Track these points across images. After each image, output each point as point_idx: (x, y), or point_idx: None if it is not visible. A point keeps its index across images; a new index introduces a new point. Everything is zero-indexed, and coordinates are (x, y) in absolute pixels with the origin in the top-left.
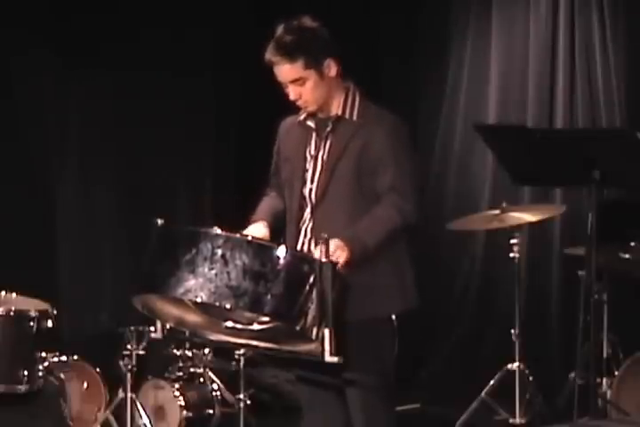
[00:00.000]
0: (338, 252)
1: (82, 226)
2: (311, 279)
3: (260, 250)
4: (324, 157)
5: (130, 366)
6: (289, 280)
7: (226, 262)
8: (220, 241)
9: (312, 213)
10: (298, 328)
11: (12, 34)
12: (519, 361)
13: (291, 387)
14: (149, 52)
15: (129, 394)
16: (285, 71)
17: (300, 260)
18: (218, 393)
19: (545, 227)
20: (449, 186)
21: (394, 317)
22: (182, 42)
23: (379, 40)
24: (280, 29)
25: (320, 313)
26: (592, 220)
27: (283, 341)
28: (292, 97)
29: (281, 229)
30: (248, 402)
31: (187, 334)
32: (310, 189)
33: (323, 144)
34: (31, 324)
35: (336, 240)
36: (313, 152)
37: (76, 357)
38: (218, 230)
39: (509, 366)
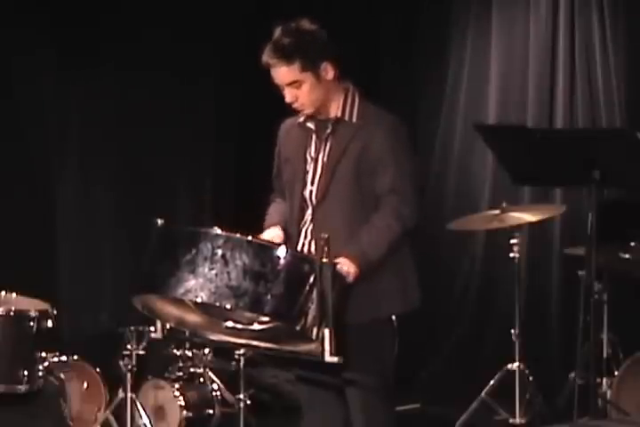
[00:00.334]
0: (345, 268)
1: (82, 226)
2: (311, 279)
3: (261, 250)
4: (325, 158)
5: (130, 366)
6: (289, 280)
7: (226, 262)
8: (221, 241)
9: (312, 214)
10: (298, 328)
11: (12, 34)
12: (519, 361)
13: (291, 387)
14: (150, 53)
15: (129, 394)
16: (282, 74)
17: (300, 260)
18: (218, 393)
19: (545, 227)
20: (449, 186)
21: (394, 317)
22: (183, 42)
23: (378, 40)
24: (278, 31)
25: (320, 313)
26: (592, 220)
27: (283, 341)
28: (287, 99)
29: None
30: (248, 402)
31: (187, 334)
32: (311, 191)
33: (323, 146)
34: (31, 324)
35: (343, 259)
36: (313, 154)
37: (75, 357)
38: (218, 230)
39: (509, 366)
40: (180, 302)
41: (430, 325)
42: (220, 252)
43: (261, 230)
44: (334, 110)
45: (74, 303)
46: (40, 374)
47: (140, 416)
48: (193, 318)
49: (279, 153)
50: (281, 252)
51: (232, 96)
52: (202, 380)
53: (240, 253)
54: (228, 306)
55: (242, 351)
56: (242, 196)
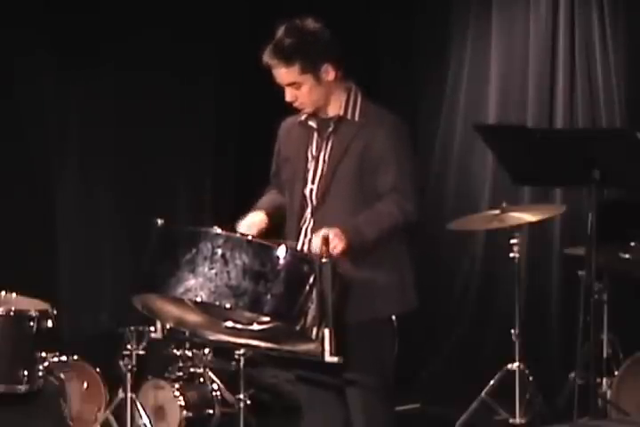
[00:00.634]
0: (335, 240)
1: (82, 226)
2: (311, 279)
3: (260, 250)
4: (326, 157)
5: (130, 366)
6: (289, 280)
7: (226, 262)
8: (220, 241)
9: (313, 213)
10: (298, 328)
11: (12, 34)
12: (519, 361)
13: (291, 387)
14: (150, 53)
15: (129, 394)
16: (282, 75)
17: (300, 260)
18: (218, 393)
19: (545, 227)
20: (449, 186)
21: (394, 317)
22: (182, 42)
23: (378, 40)
24: (280, 31)
25: (320, 313)
26: (592, 220)
27: (283, 341)
28: (287, 99)
29: (281, 223)
30: (248, 402)
31: (187, 334)
32: (311, 190)
33: (324, 144)
34: (31, 324)
35: (334, 229)
36: (314, 152)
37: (75, 357)
38: (218, 230)
39: (509, 366)
40: (179, 302)
41: (430, 325)
42: (219, 251)
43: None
44: (336, 109)
45: (74, 303)
46: (40, 374)
47: (140, 416)
48: (193, 317)
49: (279, 151)
50: (281, 252)
51: (232, 96)
52: (202, 380)
53: (240, 253)
54: (228, 305)
55: (242, 351)
56: (242, 196)
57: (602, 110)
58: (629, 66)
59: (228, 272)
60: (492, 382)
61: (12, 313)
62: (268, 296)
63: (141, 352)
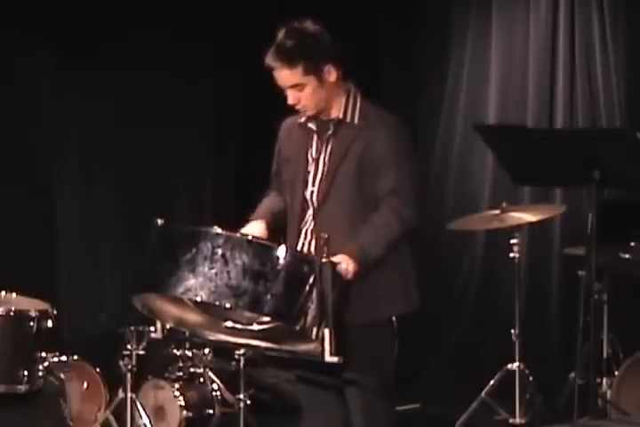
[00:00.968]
0: (344, 266)
1: (82, 226)
2: (311, 279)
3: (261, 250)
4: (326, 159)
5: (130, 366)
6: (289, 280)
7: (226, 262)
8: (220, 240)
9: (313, 215)
10: (298, 328)
11: (11, 34)
12: (519, 361)
13: (291, 387)
14: (149, 53)
15: (129, 394)
16: (284, 76)
17: (300, 260)
18: (218, 393)
19: (545, 227)
20: (449, 186)
21: (394, 318)
22: (182, 42)
23: (378, 40)
24: (281, 34)
25: (320, 313)
26: (592, 220)
27: (283, 341)
28: (290, 101)
29: (280, 228)
30: (248, 402)
31: (187, 334)
32: (312, 192)
33: (324, 147)
34: (31, 324)
35: (342, 256)
36: (314, 155)
37: (76, 357)
38: (218, 230)
39: (509, 366)
40: (179, 302)
41: (430, 325)
42: (219, 251)
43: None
44: (336, 111)
45: (74, 303)
46: (40, 374)
47: (140, 416)
48: (193, 317)
49: (279, 151)
50: (281, 252)
51: (232, 96)
52: (202, 380)
53: (240, 253)
54: (228, 305)
55: (242, 351)
56: (242, 196)
57: (602, 110)
58: (629, 66)
59: (228, 272)
60: (492, 382)
61: (12, 313)
62: (268, 296)
63: (141, 352)
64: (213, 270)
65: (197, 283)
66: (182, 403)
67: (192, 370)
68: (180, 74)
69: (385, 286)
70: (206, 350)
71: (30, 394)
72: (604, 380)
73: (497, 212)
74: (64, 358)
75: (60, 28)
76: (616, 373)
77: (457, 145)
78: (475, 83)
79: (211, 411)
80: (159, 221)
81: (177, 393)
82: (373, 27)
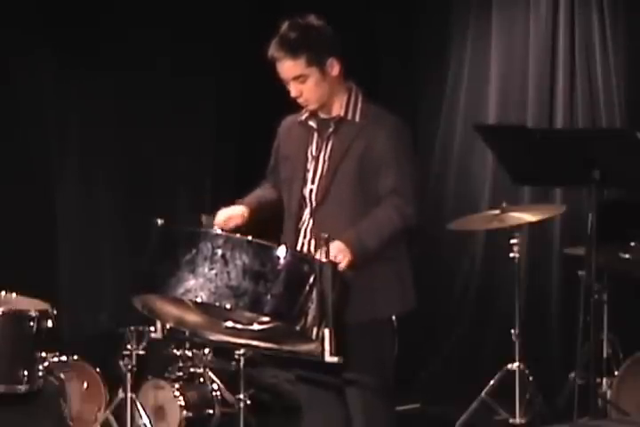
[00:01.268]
0: (340, 254)
1: (82, 226)
2: (311, 279)
3: (260, 250)
4: (326, 157)
5: (130, 366)
6: (289, 280)
7: (226, 262)
8: (220, 241)
9: (312, 213)
10: (298, 328)
11: (11, 34)
12: (519, 361)
13: (291, 387)
14: (150, 52)
15: (129, 394)
16: (287, 68)
17: (300, 260)
18: (218, 393)
19: (545, 227)
20: (449, 186)
21: (394, 317)
22: (183, 42)
23: (379, 40)
24: (285, 26)
25: (320, 313)
26: (592, 220)
27: (283, 341)
28: (293, 94)
29: (267, 218)
30: (248, 402)
31: (187, 334)
32: (311, 190)
33: (324, 145)
34: (31, 324)
35: (338, 243)
36: (314, 152)
37: (76, 357)
38: (218, 230)
39: (509, 366)
40: (179, 302)
41: (430, 325)
42: (219, 252)
43: (261, 230)
44: (337, 109)
45: (74, 303)
46: (40, 374)
47: (140, 416)
48: (193, 317)
49: (277, 149)
50: (281, 252)
51: (232, 96)
52: (202, 380)
53: (240, 253)
54: (228, 306)
55: (242, 351)
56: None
57: (602, 111)
58: (629, 66)
59: (228, 272)
60: (492, 382)
61: (11, 313)
62: (268, 296)
63: (141, 352)
64: (213, 271)
65: (197, 284)
66: (182, 403)
67: (192, 370)
68: (180, 74)
69: (382, 285)
70: (206, 350)
71: (30, 394)
72: (604, 380)
73: (497, 212)
74: (64, 358)
75: (60, 28)
76: (616, 373)
77: (457, 145)
78: (475, 83)
79: (211, 411)
80: (159, 222)
81: (177, 393)
82: (374, 26)
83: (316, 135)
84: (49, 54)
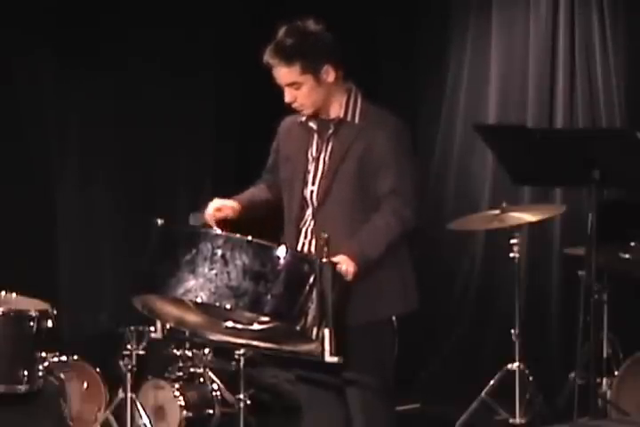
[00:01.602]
0: (344, 266)
1: (82, 226)
2: (311, 279)
3: (260, 250)
4: (326, 158)
5: (130, 366)
6: (289, 280)
7: (226, 262)
8: (220, 241)
9: (313, 214)
10: (298, 328)
11: (11, 34)
12: (519, 361)
13: (291, 387)
14: (149, 53)
15: (129, 394)
16: (282, 74)
17: (300, 260)
18: (218, 393)
19: (545, 227)
20: (449, 186)
21: (394, 318)
22: (182, 42)
23: (379, 42)
24: (281, 31)
25: (320, 313)
26: (592, 220)
27: (283, 341)
28: (287, 99)
29: (265, 218)
30: (248, 402)
31: (187, 334)
32: (312, 191)
33: (324, 146)
34: (31, 324)
35: (342, 256)
36: (314, 154)
37: (75, 357)
38: (218, 230)
39: (509, 366)
40: (179, 302)
41: (430, 325)
42: (219, 252)
43: (260, 230)
44: (336, 111)
45: (74, 303)
46: (40, 374)
47: (140, 416)
48: (193, 318)
49: (277, 149)
50: (281, 252)
51: (232, 96)
52: (202, 380)
53: (240, 253)
54: (228, 306)
55: (242, 351)
56: None
57: (602, 111)
58: (629, 66)
59: (228, 273)
60: (492, 382)
61: (11, 313)
62: (269, 296)
63: (141, 352)
64: (213, 271)
65: (197, 284)
66: (182, 403)
67: (192, 370)
68: (180, 74)
69: (384, 286)
70: (206, 350)
71: (30, 394)
72: (604, 380)
73: (497, 212)
74: (64, 358)
75: (60, 28)
76: (616, 373)
77: (457, 145)
78: (475, 83)
79: (211, 411)
80: (159, 221)
81: (177, 393)
82: (374, 29)
83: (316, 136)
84: (49, 54)
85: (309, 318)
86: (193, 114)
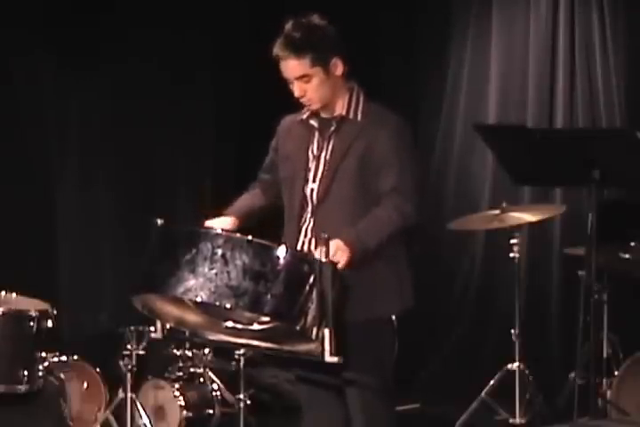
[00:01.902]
0: (339, 253)
1: (82, 226)
2: (311, 279)
3: (261, 250)
4: (327, 156)
5: (130, 366)
6: (289, 280)
7: (226, 262)
8: (220, 241)
9: (313, 212)
10: (298, 328)
11: (11, 34)
12: (519, 361)
13: (291, 387)
14: (149, 53)
15: (129, 394)
16: (292, 67)
17: (300, 260)
18: (218, 393)
19: (545, 227)
20: (449, 186)
21: (394, 317)
22: (182, 42)
23: (379, 39)
24: (289, 25)
25: (320, 313)
26: (592, 220)
27: (283, 341)
28: (296, 94)
29: (253, 226)
30: (248, 402)
31: (187, 334)
32: (312, 189)
33: (326, 144)
34: (31, 324)
35: (337, 241)
36: (315, 152)
37: (76, 357)
38: (218, 230)
39: (509, 366)
40: (179, 302)
41: (430, 325)
42: (219, 251)
43: (261, 230)
44: (339, 109)
45: (74, 303)
46: (40, 374)
47: (140, 416)
48: (193, 317)
49: (276, 148)
50: (281, 252)
51: (232, 96)
52: (202, 380)
53: (240, 253)
54: (228, 305)
55: (242, 351)
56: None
57: (602, 110)
58: (629, 66)
59: (229, 272)
60: (492, 382)
61: (12, 313)
62: (268, 296)
63: (141, 352)
64: (213, 271)
65: (197, 283)
66: (182, 403)
67: (192, 370)
68: (179, 74)
69: (381, 285)
70: (206, 350)
71: (30, 394)
72: (604, 380)
73: (497, 212)
74: (64, 358)
75: (59, 28)
76: (616, 373)
77: (457, 145)
78: (475, 82)
79: (211, 411)
80: (159, 221)
81: (177, 393)
82: (375, 26)
83: (317, 134)
84: (49, 54)
85: (309, 317)
86: (192, 114)
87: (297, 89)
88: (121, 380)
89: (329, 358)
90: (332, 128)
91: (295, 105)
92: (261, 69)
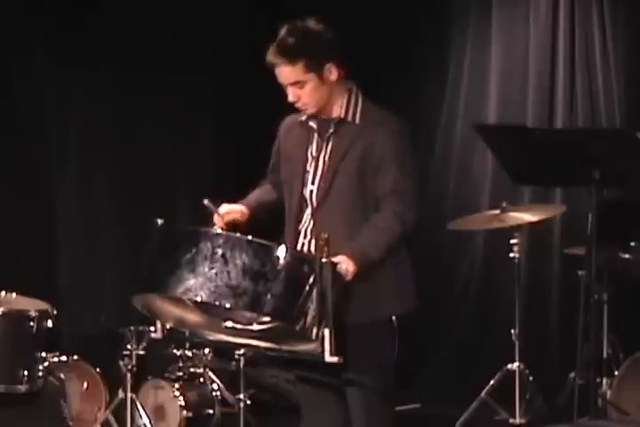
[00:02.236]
0: (345, 266)
1: (82, 226)
2: (311, 279)
3: (261, 250)
4: (326, 158)
5: (130, 366)
6: (289, 280)
7: (226, 262)
8: (220, 240)
9: (312, 214)
10: (298, 328)
11: (11, 34)
12: (519, 361)
13: (291, 387)
14: (149, 53)
15: (129, 394)
16: (285, 74)
17: (300, 260)
18: (218, 393)
19: (545, 227)
20: (449, 186)
21: (394, 318)
22: (182, 42)
23: (379, 40)
24: (283, 31)
25: (320, 313)
26: (592, 220)
27: (283, 341)
28: (290, 99)
29: (266, 219)
30: (248, 402)
31: (187, 334)
32: (311, 191)
33: (324, 145)
34: (31, 324)
35: (342, 256)
36: (314, 153)
37: (76, 357)
38: (218, 230)
39: (509, 366)
40: (179, 302)
41: (430, 325)
42: (219, 251)
43: (261, 230)
44: (337, 110)
45: (74, 303)
46: (40, 374)
47: (140, 416)
48: (193, 317)
49: (278, 150)
50: (281, 252)
51: (232, 96)
52: (202, 380)
53: (240, 253)
54: (228, 305)
55: (242, 351)
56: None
57: (602, 110)
58: (629, 67)
59: (228, 272)
60: (492, 382)
61: (12, 313)
62: (268, 296)
63: (141, 352)
64: (213, 270)
65: (197, 283)
66: (182, 403)
67: (192, 370)
68: (179, 74)
69: (383, 286)
70: (206, 350)
71: (30, 394)
72: (604, 380)
73: (497, 212)
74: (64, 358)
75: (59, 28)
76: (616, 373)
77: (457, 145)
78: (475, 83)
79: (211, 411)
80: (159, 221)
81: (177, 393)
82: (374, 27)
83: (316, 136)
84: (50, 54)
85: (309, 318)
86: (192, 114)
87: (291, 94)
88: (121, 380)
89: (329, 358)
90: (331, 130)
91: (293, 107)
92: (261, 70)
